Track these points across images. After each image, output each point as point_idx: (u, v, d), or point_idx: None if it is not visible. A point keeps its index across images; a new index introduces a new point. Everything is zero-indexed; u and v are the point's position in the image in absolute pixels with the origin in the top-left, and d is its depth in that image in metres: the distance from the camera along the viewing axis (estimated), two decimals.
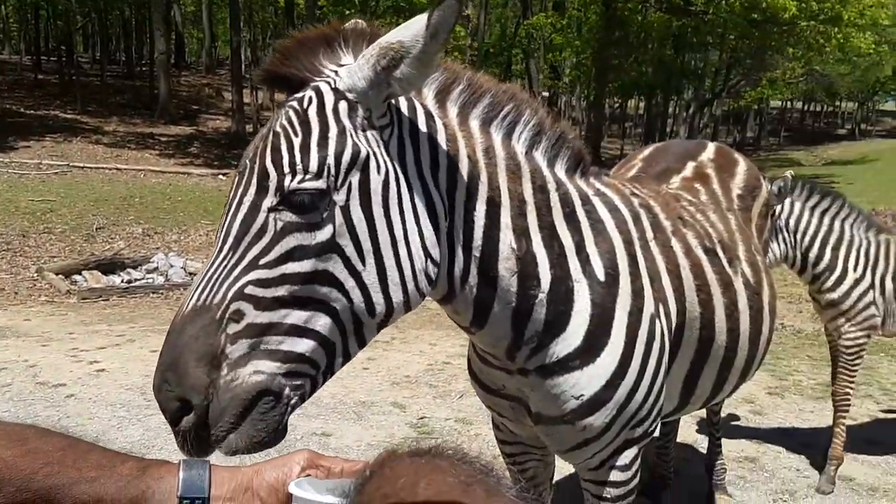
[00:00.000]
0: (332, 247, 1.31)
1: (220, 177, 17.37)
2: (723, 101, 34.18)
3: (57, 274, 8.91)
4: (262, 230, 1.27)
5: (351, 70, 1.36)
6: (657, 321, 1.84)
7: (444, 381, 5.85)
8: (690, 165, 2.63)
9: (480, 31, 26.20)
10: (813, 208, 3.97)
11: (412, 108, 1.50)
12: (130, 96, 25.48)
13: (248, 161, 1.32)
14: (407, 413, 5.06)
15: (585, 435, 1.80)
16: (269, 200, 1.27)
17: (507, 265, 1.62)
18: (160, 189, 15.15)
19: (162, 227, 12.06)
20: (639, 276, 1.82)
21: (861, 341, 4.03)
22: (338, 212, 1.31)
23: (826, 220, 3.97)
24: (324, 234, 1.30)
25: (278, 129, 1.33)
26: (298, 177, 1.27)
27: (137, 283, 9.04)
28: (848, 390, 4.10)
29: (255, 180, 1.29)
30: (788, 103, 53.83)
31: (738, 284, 2.21)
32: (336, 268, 1.31)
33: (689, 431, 4.67)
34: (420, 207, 1.44)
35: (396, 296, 1.40)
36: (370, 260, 1.35)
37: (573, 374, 1.73)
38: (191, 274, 9.69)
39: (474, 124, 1.61)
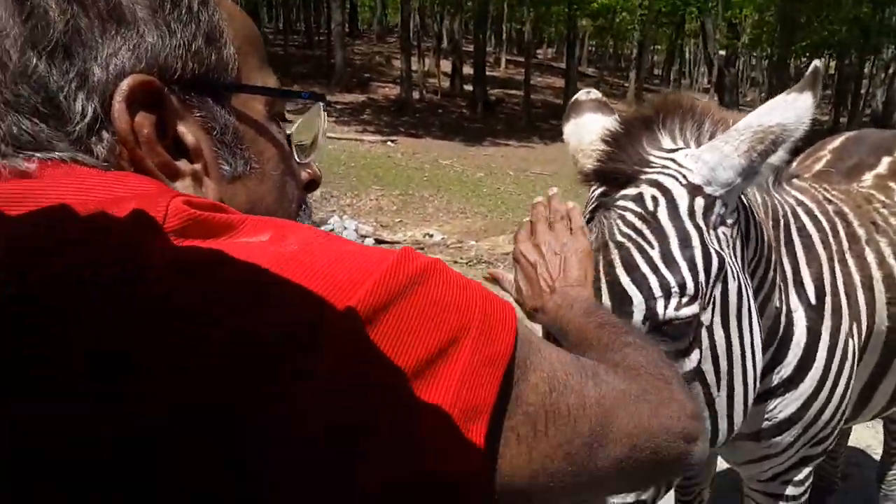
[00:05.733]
0: (695, 374, 1.12)
1: (389, 143, 18.21)
2: None
3: None
4: None
5: (710, 159, 1.14)
6: (850, 340, 1.76)
7: None
8: (885, 161, 2.33)
9: None
10: None
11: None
12: (310, 66, 27.15)
13: None
14: None
15: (768, 451, 1.76)
16: None
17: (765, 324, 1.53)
18: (335, 155, 16.17)
19: (337, 191, 12.91)
20: (838, 293, 1.72)
21: None
22: (704, 333, 1.12)
23: None
24: (691, 362, 1.12)
25: (620, 238, 1.10)
26: (674, 301, 1.06)
27: None
28: None
29: (608, 305, 1.08)
30: None
31: None
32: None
33: (862, 435, 4.46)
34: (754, 309, 1.24)
35: (737, 419, 1.21)
36: (724, 383, 1.17)
37: (774, 401, 1.65)
38: (362, 236, 10.37)
39: None
